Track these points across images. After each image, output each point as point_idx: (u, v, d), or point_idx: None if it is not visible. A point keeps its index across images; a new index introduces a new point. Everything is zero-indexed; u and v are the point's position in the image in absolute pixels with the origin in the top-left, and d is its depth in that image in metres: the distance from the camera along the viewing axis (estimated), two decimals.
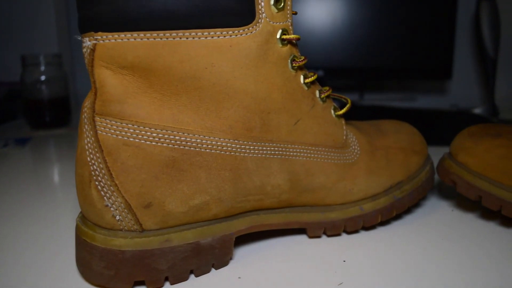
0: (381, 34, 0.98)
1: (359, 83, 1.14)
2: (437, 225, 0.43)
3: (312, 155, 0.37)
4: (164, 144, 0.31)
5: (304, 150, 0.37)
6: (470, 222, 0.44)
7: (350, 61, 1.00)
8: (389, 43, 0.99)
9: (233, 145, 0.33)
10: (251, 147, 0.34)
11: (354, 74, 1.00)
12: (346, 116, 0.86)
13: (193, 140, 0.32)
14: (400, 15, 0.99)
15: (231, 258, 0.37)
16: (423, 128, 0.66)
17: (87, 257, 0.32)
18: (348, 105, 0.40)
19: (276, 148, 0.35)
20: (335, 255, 0.37)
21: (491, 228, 0.42)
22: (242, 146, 0.34)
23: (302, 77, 0.36)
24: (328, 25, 1.00)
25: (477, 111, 1.00)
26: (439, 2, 0.98)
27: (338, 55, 1.00)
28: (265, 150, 0.35)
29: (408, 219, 0.44)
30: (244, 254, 0.38)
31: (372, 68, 0.99)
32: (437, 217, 0.45)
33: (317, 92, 0.38)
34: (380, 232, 0.41)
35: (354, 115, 0.89)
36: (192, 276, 0.35)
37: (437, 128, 0.84)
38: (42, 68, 0.93)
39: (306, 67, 0.97)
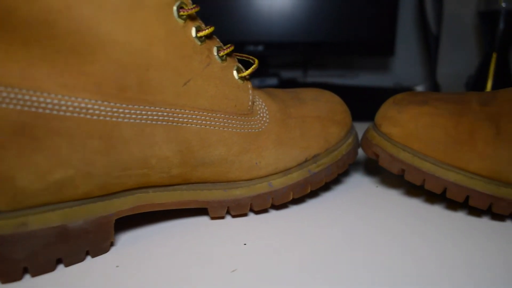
0: (323, 9, 0.93)
1: (303, 60, 1.10)
2: (358, 204, 0.39)
3: (208, 123, 0.32)
4: (10, 106, 0.25)
5: (198, 116, 0.31)
6: (393, 199, 0.40)
7: (291, 36, 0.95)
8: (332, 18, 0.94)
9: (102, 108, 0.27)
10: (126, 111, 0.28)
11: (295, 49, 0.95)
12: None
13: (48, 100, 0.26)
14: None
15: (112, 244, 0.32)
16: (365, 105, 0.62)
17: None
18: (254, 66, 0.35)
19: (160, 113, 0.29)
20: (236, 238, 0.32)
21: (415, 206, 0.38)
22: (114, 109, 0.28)
23: (193, 29, 0.31)
24: None
25: (419, 88, 0.98)
26: None
27: (279, 29, 0.95)
28: (145, 115, 0.29)
29: (326, 197, 0.40)
30: (130, 239, 0.32)
31: (314, 43, 0.95)
32: (358, 195, 0.40)
33: (214, 49, 0.32)
34: (292, 212, 0.37)
35: None
36: (62, 266, 0.29)
37: (379, 105, 0.81)
38: None
39: (246, 41, 0.91)
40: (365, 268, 0.28)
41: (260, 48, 0.94)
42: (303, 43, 0.93)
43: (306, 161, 0.37)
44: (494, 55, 0.95)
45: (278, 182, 0.36)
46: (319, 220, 0.35)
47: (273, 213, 0.37)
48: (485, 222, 0.36)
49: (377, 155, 0.39)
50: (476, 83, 0.97)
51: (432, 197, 0.40)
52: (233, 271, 0.28)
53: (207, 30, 0.31)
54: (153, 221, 0.35)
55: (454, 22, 1.08)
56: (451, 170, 0.36)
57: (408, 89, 0.97)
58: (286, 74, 1.08)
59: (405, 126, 0.38)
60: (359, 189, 0.42)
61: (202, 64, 0.31)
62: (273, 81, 0.87)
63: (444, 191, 0.36)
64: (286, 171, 0.36)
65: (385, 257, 0.30)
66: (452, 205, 0.38)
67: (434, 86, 0.96)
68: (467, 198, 0.36)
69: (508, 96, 0.37)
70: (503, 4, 0.92)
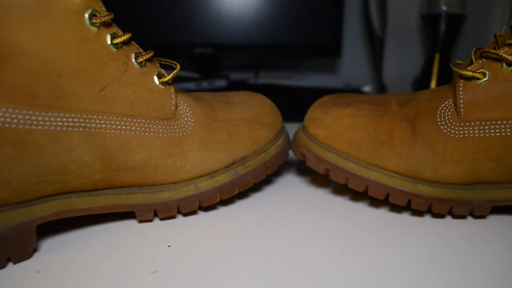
0: (272, 11, 0.94)
1: (254, 61, 1.11)
2: (287, 203, 0.40)
3: (129, 128, 0.32)
4: None
5: (117, 122, 0.32)
6: (322, 198, 0.41)
7: (240, 38, 0.96)
8: (280, 21, 0.95)
9: (13, 116, 0.27)
10: (40, 118, 0.28)
11: (244, 51, 0.96)
12: None
13: None
14: None
15: (34, 250, 0.32)
16: None
17: None
18: (175, 71, 0.35)
19: (76, 119, 0.30)
20: (162, 240, 0.33)
21: (342, 204, 0.39)
22: (27, 117, 0.28)
23: (108, 36, 0.31)
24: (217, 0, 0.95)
25: (366, 89, 1.00)
26: None
27: (228, 31, 0.95)
28: (60, 122, 0.29)
29: (255, 198, 0.41)
30: (54, 245, 0.32)
31: (263, 45, 0.96)
32: (289, 195, 0.41)
33: (132, 55, 0.33)
34: (221, 213, 0.37)
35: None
36: None
37: None
38: None
39: (194, 43, 0.91)
40: (295, 266, 0.29)
41: (209, 50, 0.94)
42: (252, 45, 0.94)
43: (233, 163, 0.38)
44: (437, 56, 0.99)
45: (205, 185, 0.36)
46: (248, 221, 0.36)
47: (201, 215, 0.37)
48: (405, 218, 0.37)
49: (304, 155, 0.40)
50: (421, 83, 1.00)
51: (357, 196, 0.41)
52: (152, 273, 0.29)
53: (123, 37, 0.32)
54: (80, 226, 0.35)
55: (399, 25, 1.11)
56: (371, 169, 0.37)
57: (356, 89, 1.00)
58: (238, 75, 1.09)
59: (329, 127, 0.39)
60: (290, 189, 0.43)
61: (119, 71, 0.32)
62: (222, 83, 0.88)
63: (367, 190, 0.38)
64: (212, 173, 0.37)
65: (314, 254, 0.31)
66: (375, 202, 0.40)
67: (380, 87, 0.99)
68: (388, 195, 0.37)
69: (425, 97, 0.39)
70: (444, 7, 0.95)
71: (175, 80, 0.87)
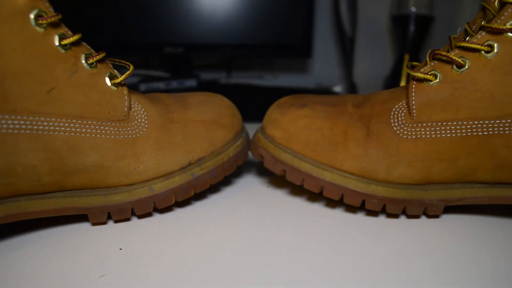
0: (243, 11, 0.94)
1: (226, 61, 1.10)
2: (245, 204, 0.40)
3: (79, 130, 0.32)
4: None
5: (66, 124, 0.31)
6: (280, 199, 0.41)
7: (211, 38, 0.96)
8: (251, 21, 0.95)
9: None
10: None
11: (215, 51, 0.96)
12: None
13: None
14: None
15: None
16: None
17: None
18: (128, 72, 0.35)
19: (22, 122, 0.29)
20: (114, 243, 0.32)
21: (298, 205, 0.40)
22: None
23: (56, 37, 0.30)
24: None
25: (337, 89, 1.01)
26: None
27: (199, 31, 0.95)
28: (6, 124, 0.29)
29: (213, 199, 0.41)
30: (2, 248, 0.32)
31: (233, 45, 0.96)
32: (247, 195, 0.41)
33: (82, 56, 0.32)
34: (177, 214, 0.37)
35: (225, 94, 0.85)
36: None
37: None
38: None
39: (165, 43, 0.91)
40: (253, 267, 0.29)
41: (179, 49, 0.93)
42: (223, 45, 0.94)
43: (189, 164, 0.38)
44: (407, 56, 1.00)
45: (159, 186, 0.36)
46: (203, 222, 0.36)
47: (156, 217, 0.37)
48: (360, 218, 0.37)
49: (262, 156, 0.40)
50: (391, 83, 1.01)
51: (315, 196, 0.41)
52: (100, 276, 0.28)
53: (72, 38, 0.31)
54: (30, 229, 0.35)
55: (369, 25, 1.12)
56: (327, 170, 0.37)
57: (327, 89, 1.00)
58: (210, 75, 1.09)
59: (286, 128, 0.39)
60: (249, 189, 0.43)
61: (68, 72, 0.31)
62: (192, 82, 0.88)
63: (322, 190, 0.38)
64: (168, 175, 0.37)
65: (271, 255, 0.31)
66: (332, 203, 0.40)
67: (351, 87, 0.99)
68: (343, 196, 0.38)
69: (380, 98, 0.39)
70: (413, 9, 0.96)
71: (145, 80, 0.86)
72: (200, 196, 0.41)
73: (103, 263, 0.30)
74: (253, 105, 0.71)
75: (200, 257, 0.30)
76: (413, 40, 0.99)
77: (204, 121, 0.39)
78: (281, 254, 0.31)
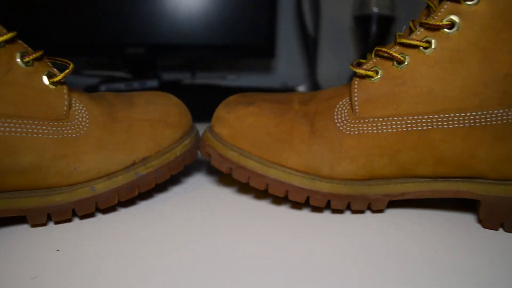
0: (205, 12, 0.94)
1: (190, 62, 1.10)
2: (191, 203, 0.40)
3: (14, 129, 0.31)
4: None
5: (0, 124, 0.30)
6: (228, 197, 0.41)
7: (173, 38, 0.95)
8: (213, 21, 0.95)
9: None
10: None
11: (177, 51, 0.95)
12: (178, 95, 0.82)
13: None
14: None
15: None
16: None
17: None
18: (67, 71, 0.35)
19: None
20: (51, 244, 0.32)
21: (246, 202, 0.40)
22: None
23: None
24: None
25: (301, 88, 1.01)
26: None
27: (161, 31, 0.94)
28: None
29: (160, 198, 0.40)
30: None
31: (195, 45, 0.95)
32: (194, 194, 0.41)
33: (17, 54, 0.32)
34: (120, 214, 0.37)
35: (185, 95, 0.84)
36: None
37: None
38: None
39: (128, 43, 0.90)
40: (197, 267, 0.29)
41: (141, 50, 0.93)
42: (185, 45, 0.94)
43: (134, 164, 0.37)
44: (369, 56, 1.01)
45: (102, 186, 0.36)
46: (148, 222, 0.35)
47: (99, 217, 0.36)
48: (305, 214, 0.37)
49: (209, 155, 0.40)
50: None
51: (261, 194, 0.41)
52: (33, 278, 0.28)
53: (5, 36, 0.31)
54: None
55: (332, 25, 1.13)
56: (272, 167, 0.37)
57: (292, 89, 1.01)
58: (174, 76, 1.08)
59: (233, 126, 0.39)
60: (197, 188, 0.43)
61: (1, 71, 0.31)
62: (154, 83, 0.87)
63: (268, 188, 0.38)
64: (110, 174, 0.36)
65: (216, 253, 0.31)
66: (277, 200, 0.40)
67: (314, 86, 1.00)
68: (288, 192, 0.38)
69: (325, 95, 0.40)
70: (375, 9, 0.97)
71: (105, 81, 0.85)
72: (146, 195, 0.41)
73: (38, 264, 0.29)
74: (216, 105, 0.71)
75: (142, 258, 0.30)
76: (375, 39, 1.00)
77: (150, 120, 0.39)
78: (227, 252, 0.31)
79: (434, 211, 0.39)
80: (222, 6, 0.93)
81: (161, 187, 0.43)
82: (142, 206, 0.39)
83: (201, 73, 1.10)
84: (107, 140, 0.36)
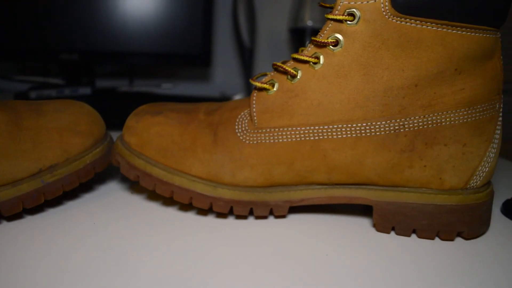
0: (141, 19, 0.94)
1: (127, 69, 1.10)
2: (100, 210, 0.41)
3: None
4: None
5: None
6: (138, 202, 0.42)
7: (108, 45, 0.95)
8: (149, 28, 0.96)
9: None
10: None
11: (112, 58, 0.95)
12: (112, 103, 0.83)
13: None
14: None
15: None
16: None
17: None
18: None
19: None
20: None
21: (154, 209, 0.41)
22: None
23: None
24: (83, 4, 0.93)
25: (238, 97, 1.03)
26: None
27: (96, 38, 0.94)
28: None
29: (70, 205, 0.41)
30: None
31: (131, 53, 0.96)
32: (105, 201, 0.42)
33: None
34: (26, 222, 0.37)
35: (120, 103, 0.85)
36: None
37: None
38: None
39: (61, 49, 0.89)
40: (101, 273, 0.30)
41: (75, 56, 0.92)
42: (121, 52, 0.94)
43: (40, 171, 0.38)
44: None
45: (6, 194, 0.36)
46: (54, 229, 0.36)
47: (4, 225, 0.37)
48: (211, 221, 0.39)
49: (119, 162, 0.41)
50: None
51: (170, 200, 0.43)
52: None
53: None
54: None
55: (268, 37, 1.16)
56: (177, 175, 0.39)
57: (229, 98, 1.03)
58: (110, 83, 1.08)
59: (140, 135, 0.40)
60: (108, 195, 0.44)
61: None
62: (86, 90, 0.87)
63: (173, 195, 0.39)
64: (15, 182, 0.37)
65: (121, 259, 0.32)
66: (184, 207, 0.42)
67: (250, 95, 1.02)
68: (192, 199, 0.39)
69: (229, 106, 0.42)
70: (309, 23, 1.01)
71: (36, 87, 0.85)
72: (55, 202, 0.41)
73: None
74: None
75: (44, 264, 0.31)
76: None
77: (58, 128, 0.40)
78: (135, 259, 0.32)
79: (334, 216, 0.41)
80: (157, 14, 0.94)
81: (72, 194, 0.43)
82: (50, 213, 0.39)
83: (139, 80, 1.11)
84: (10, 148, 0.37)
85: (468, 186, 0.37)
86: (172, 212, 0.40)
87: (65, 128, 0.40)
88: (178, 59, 0.98)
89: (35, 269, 0.30)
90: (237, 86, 1.18)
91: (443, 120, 0.35)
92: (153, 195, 0.44)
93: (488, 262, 0.34)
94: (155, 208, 0.41)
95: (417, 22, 0.33)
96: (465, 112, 0.36)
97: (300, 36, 1.04)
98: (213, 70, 1.17)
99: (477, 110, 0.36)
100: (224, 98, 1.00)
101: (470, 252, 0.36)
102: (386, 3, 0.33)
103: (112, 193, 0.44)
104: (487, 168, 0.37)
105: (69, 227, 0.36)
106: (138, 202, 0.42)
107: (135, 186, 0.47)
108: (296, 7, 1.01)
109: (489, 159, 0.37)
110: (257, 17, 1.12)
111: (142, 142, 0.40)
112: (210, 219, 0.39)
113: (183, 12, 0.97)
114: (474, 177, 0.37)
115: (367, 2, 0.33)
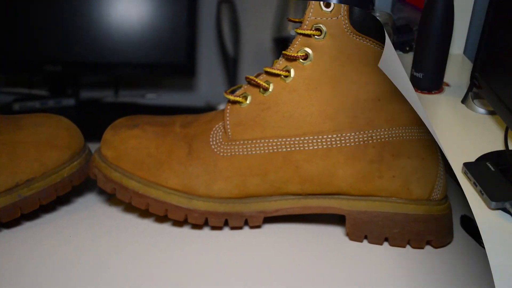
0: (125, 29, 0.95)
1: (112, 80, 1.10)
2: (77, 223, 0.41)
3: None
4: None
5: None
6: (117, 215, 0.43)
7: (92, 56, 0.95)
8: (133, 39, 0.96)
9: None
10: None
11: (96, 69, 0.96)
12: (97, 114, 0.83)
13: None
14: (143, 8, 0.97)
15: None
16: None
17: None
18: None
19: None
20: None
21: (132, 221, 0.42)
22: None
23: None
24: (66, 15, 0.93)
25: (222, 107, 1.03)
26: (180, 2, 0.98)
27: (79, 49, 0.94)
28: None
29: (47, 218, 0.41)
30: None
31: (114, 64, 0.96)
32: (85, 214, 0.43)
33: None
34: (3, 235, 0.38)
35: (105, 113, 0.85)
36: None
37: None
38: None
39: (45, 60, 0.90)
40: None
41: (58, 67, 0.92)
42: (104, 63, 0.94)
43: (17, 185, 0.38)
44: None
45: None
46: (31, 242, 0.37)
47: None
48: (186, 232, 0.40)
49: (96, 175, 0.42)
50: None
51: (146, 212, 0.43)
52: None
53: None
54: None
55: (253, 46, 1.17)
56: (152, 187, 0.40)
57: (214, 107, 1.03)
58: (94, 94, 1.08)
59: (117, 148, 0.41)
60: (86, 208, 0.44)
61: None
62: (70, 101, 0.87)
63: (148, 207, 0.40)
64: None
65: (96, 271, 0.32)
66: (160, 218, 0.42)
67: None
68: (167, 211, 0.40)
69: (205, 118, 0.42)
70: (292, 32, 1.02)
71: (20, 99, 0.85)
72: (33, 215, 0.41)
73: None
74: None
75: (21, 278, 0.31)
76: None
77: (35, 142, 0.40)
78: (112, 271, 0.32)
79: (309, 225, 0.42)
80: (141, 24, 0.94)
81: (49, 207, 0.44)
82: (27, 227, 0.40)
83: (124, 91, 1.11)
84: None
85: (431, 197, 0.38)
86: (148, 224, 0.41)
87: (42, 142, 0.41)
88: (163, 69, 0.99)
89: (13, 283, 0.30)
90: (222, 95, 1.18)
91: (404, 134, 0.37)
92: (130, 207, 0.45)
93: (454, 270, 0.35)
94: (132, 220, 0.42)
95: (371, 41, 0.35)
96: (419, 130, 0.37)
97: (284, 46, 1.04)
98: (198, 79, 1.18)
99: (426, 129, 0.37)
100: (209, 108, 1.00)
101: (437, 260, 0.37)
102: (346, 21, 0.34)
103: (89, 206, 0.45)
104: (441, 183, 0.39)
105: (46, 240, 0.37)
106: (115, 215, 0.43)
107: (112, 198, 0.47)
108: (280, 16, 1.02)
109: (441, 175, 0.39)
110: (241, 27, 1.13)
111: (119, 155, 0.41)
112: (186, 230, 0.40)
113: (167, 22, 0.97)
114: (435, 189, 0.38)
115: (331, 18, 0.34)
